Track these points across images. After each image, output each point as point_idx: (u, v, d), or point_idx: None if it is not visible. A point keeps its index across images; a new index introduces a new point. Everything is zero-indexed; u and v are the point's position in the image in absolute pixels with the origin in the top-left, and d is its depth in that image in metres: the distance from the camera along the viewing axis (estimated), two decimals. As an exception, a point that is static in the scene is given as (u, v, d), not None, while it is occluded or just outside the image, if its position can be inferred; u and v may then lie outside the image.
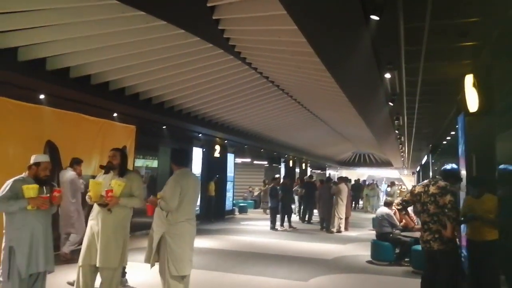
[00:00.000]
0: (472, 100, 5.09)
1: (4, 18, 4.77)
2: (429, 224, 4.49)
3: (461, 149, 6.24)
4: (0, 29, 4.99)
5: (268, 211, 16.84)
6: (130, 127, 9.79)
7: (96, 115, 8.55)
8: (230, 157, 15.85)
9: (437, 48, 4.69)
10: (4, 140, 6.65)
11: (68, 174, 7.06)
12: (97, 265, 4.14)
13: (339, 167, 33.62)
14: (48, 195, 3.94)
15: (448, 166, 4.70)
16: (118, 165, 4.38)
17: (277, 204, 12.44)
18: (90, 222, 4.29)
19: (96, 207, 4.28)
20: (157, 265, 4.12)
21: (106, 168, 4.41)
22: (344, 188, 12.19)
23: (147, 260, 4.13)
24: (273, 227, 12.29)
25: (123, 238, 4.32)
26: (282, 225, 12.53)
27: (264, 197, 17.57)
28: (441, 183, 4.53)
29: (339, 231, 11.92)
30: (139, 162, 21.84)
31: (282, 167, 22.75)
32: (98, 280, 4.28)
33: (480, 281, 4.74)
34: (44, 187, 3.97)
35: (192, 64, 6.87)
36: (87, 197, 4.31)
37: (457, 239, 4.42)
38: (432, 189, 4.54)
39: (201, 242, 7.48)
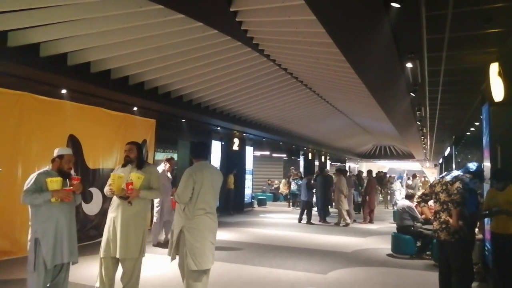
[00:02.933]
0: (497, 89, 4.93)
1: (26, 15, 4.86)
2: (439, 213, 4.49)
3: (485, 140, 6.07)
4: (22, 26, 5.10)
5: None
6: (150, 121, 9.91)
7: (117, 110, 8.69)
8: (249, 150, 15.87)
9: (461, 36, 4.54)
10: (28, 134, 6.82)
11: (159, 168, 7.67)
12: (118, 257, 4.20)
13: (359, 159, 33.27)
14: (72, 187, 4.00)
15: (473, 166, 4.57)
16: (135, 158, 4.42)
17: (311, 197, 12.27)
18: (110, 215, 4.35)
19: (116, 200, 4.34)
20: (177, 258, 4.15)
21: (126, 162, 4.46)
22: (340, 180, 12.02)
23: (168, 253, 4.18)
24: (303, 219, 12.17)
25: (143, 229, 4.39)
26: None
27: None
28: (456, 172, 4.50)
29: (346, 224, 11.82)
30: (160, 156, 22.17)
31: (301, 160, 22.67)
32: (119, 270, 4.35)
33: (505, 274, 4.63)
34: (67, 180, 4.04)
35: (211, 57, 6.87)
36: (108, 190, 4.36)
37: (465, 231, 4.28)
38: (446, 178, 4.55)
39: (220, 235, 7.50)
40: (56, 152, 4.13)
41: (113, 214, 4.31)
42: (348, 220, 11.80)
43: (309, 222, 11.99)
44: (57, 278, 4.02)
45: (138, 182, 4.26)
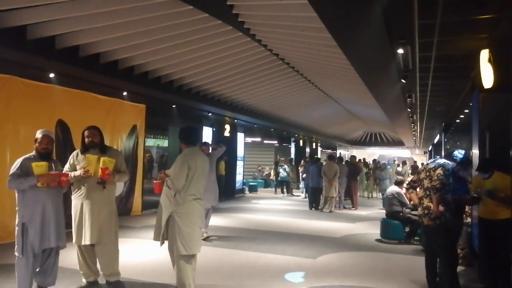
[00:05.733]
0: (487, 76, 4.95)
1: (11, -4, 4.74)
2: (423, 199, 4.54)
3: (474, 127, 6.12)
4: (8, 7, 4.97)
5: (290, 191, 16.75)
6: (140, 106, 9.81)
7: (106, 94, 8.58)
8: (240, 136, 15.85)
9: (452, 22, 4.55)
10: (16, 119, 6.72)
11: None
12: (95, 242, 4.18)
13: (350, 146, 33.49)
14: (57, 172, 3.95)
15: (459, 154, 4.60)
16: (99, 142, 4.34)
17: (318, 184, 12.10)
18: (78, 201, 4.23)
19: (81, 186, 4.22)
20: (166, 243, 4.15)
21: (86, 147, 4.31)
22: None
23: (156, 238, 4.15)
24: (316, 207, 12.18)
25: (115, 212, 4.40)
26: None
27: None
28: (440, 160, 4.54)
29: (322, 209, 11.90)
30: (150, 142, 22.02)
31: (292, 147, 22.74)
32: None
33: (491, 259, 4.71)
34: (52, 164, 3.98)
35: (201, 41, 6.79)
36: (82, 172, 4.12)
37: (447, 216, 4.33)
38: (430, 165, 4.59)
39: (211, 220, 7.55)
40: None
41: (80, 201, 4.21)
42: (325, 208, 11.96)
43: (317, 208, 12.02)
44: (46, 263, 4.00)
45: (111, 166, 4.21)
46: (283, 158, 18.13)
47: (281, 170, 16.59)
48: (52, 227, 3.90)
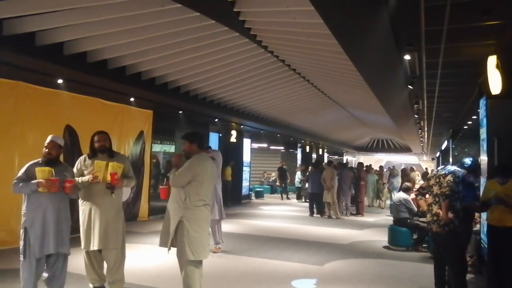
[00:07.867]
0: (495, 82, 4.91)
1: (21, 3, 4.80)
2: (432, 205, 4.52)
3: (482, 133, 6.07)
4: (17, 14, 5.04)
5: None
6: (147, 112, 9.87)
7: (113, 100, 8.64)
8: (247, 142, 15.87)
9: (459, 28, 4.53)
10: (24, 124, 6.79)
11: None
12: (103, 248, 4.20)
13: (356, 152, 33.36)
14: (57, 178, 3.91)
15: (469, 161, 4.57)
16: (109, 147, 4.37)
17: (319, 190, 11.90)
18: (86, 207, 4.26)
19: (89, 191, 4.24)
20: (173, 249, 4.13)
21: (95, 152, 4.34)
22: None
23: (161, 245, 4.11)
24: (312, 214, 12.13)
25: (122, 217, 4.42)
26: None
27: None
28: (451, 167, 4.51)
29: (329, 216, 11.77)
30: (157, 147, 22.07)
31: (299, 153, 22.70)
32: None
33: (500, 267, 4.66)
34: (54, 169, 3.97)
35: (208, 47, 6.82)
36: (89, 177, 4.15)
37: (456, 224, 4.28)
38: (440, 172, 4.56)
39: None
40: None
41: (89, 206, 4.23)
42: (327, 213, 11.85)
43: (322, 215, 11.93)
44: (53, 268, 4.01)
45: (119, 171, 4.22)
46: (302, 166, 18.47)
47: (298, 176, 16.91)
48: (52, 233, 3.89)
